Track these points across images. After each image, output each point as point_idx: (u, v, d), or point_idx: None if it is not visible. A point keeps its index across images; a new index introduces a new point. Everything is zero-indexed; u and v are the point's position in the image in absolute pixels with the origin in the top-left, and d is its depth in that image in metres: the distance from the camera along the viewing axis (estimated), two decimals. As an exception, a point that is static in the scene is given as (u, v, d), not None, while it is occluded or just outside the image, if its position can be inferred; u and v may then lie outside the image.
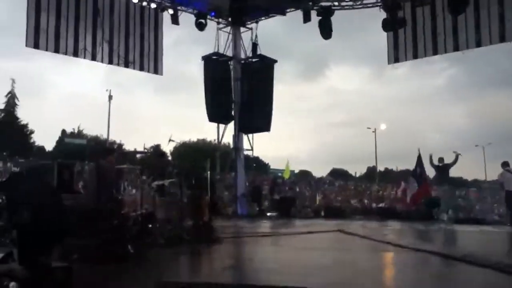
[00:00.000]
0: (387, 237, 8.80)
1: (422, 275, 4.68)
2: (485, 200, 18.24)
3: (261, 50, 16.88)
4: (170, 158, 37.23)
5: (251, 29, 17.26)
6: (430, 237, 9.97)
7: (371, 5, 15.12)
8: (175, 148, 39.68)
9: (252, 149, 17.38)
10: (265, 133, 16.81)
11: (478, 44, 13.63)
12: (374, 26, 14.83)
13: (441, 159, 12.59)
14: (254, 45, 17.02)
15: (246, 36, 17.35)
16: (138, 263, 4.94)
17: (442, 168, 12.59)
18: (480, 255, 5.37)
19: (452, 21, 13.86)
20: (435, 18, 14.34)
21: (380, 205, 17.88)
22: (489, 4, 13.23)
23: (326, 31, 15.04)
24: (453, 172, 13.63)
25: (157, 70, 16.70)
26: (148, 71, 16.54)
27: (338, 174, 49.96)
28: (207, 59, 16.98)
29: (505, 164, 12.28)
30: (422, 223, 12.82)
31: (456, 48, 14.12)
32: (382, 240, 7.78)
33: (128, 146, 40.47)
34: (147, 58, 16.27)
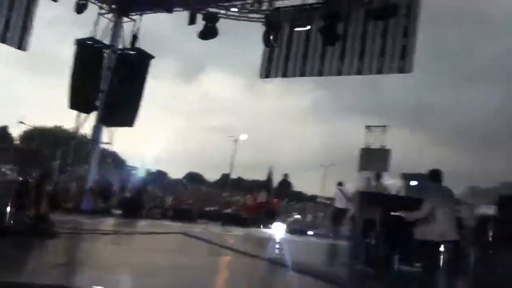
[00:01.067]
0: (227, 242, 9.15)
1: (246, 280, 4.96)
2: (319, 214, 20.11)
3: (141, 44, 16.23)
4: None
5: (134, 20, 16.48)
6: (266, 244, 10.63)
7: (255, 19, 15.58)
8: (25, 132, 36.03)
9: (111, 143, 16.64)
10: (128, 128, 16.22)
11: (339, 73, 14.96)
12: (255, 38, 15.17)
13: (286, 175, 13.53)
14: (134, 37, 16.22)
15: (127, 27, 16.47)
16: None
17: (282, 183, 13.51)
18: (305, 263, 5.91)
19: (321, 49, 14.93)
20: (308, 42, 15.32)
21: (227, 211, 18.44)
22: (354, 38, 14.59)
23: (208, 35, 15.09)
24: (295, 186, 14.76)
25: (21, 45, 14.97)
26: (11, 45, 14.76)
27: (193, 178, 50.24)
28: (81, 43, 15.70)
29: (339, 184, 13.88)
30: (261, 231, 13.68)
31: (321, 74, 15.29)
32: (222, 245, 8.06)
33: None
34: (13, 30, 14.54)
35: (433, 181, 6.65)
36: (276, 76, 15.99)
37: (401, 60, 13.89)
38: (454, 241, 6.73)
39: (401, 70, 14.06)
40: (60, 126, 43.67)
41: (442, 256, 7.03)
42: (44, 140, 32.47)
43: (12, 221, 6.30)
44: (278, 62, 15.69)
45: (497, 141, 57.13)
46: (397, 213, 6.67)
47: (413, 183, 17.20)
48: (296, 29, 15.12)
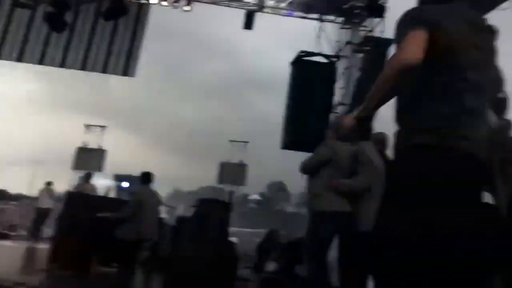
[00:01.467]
0: None
1: None
2: (22, 214, 18.31)
3: None
4: None
5: None
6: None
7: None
8: None
9: None
10: None
11: (62, 65, 13.90)
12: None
13: None
14: None
15: None
16: None
17: None
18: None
19: (45, 35, 13.53)
20: (32, 24, 13.63)
21: None
22: (82, 31, 13.79)
23: None
24: None
25: None
26: None
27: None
28: None
29: (48, 184, 13.04)
30: None
31: (41, 62, 13.88)
32: None
33: None
34: None
35: (143, 182, 7.01)
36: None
37: (126, 62, 14.13)
38: (154, 241, 7.23)
39: (125, 73, 14.30)
40: None
41: (140, 255, 7.45)
42: None
43: None
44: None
45: (200, 150, 64.22)
46: (101, 214, 6.72)
47: (125, 184, 17.51)
48: (19, 7, 13.47)
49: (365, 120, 2.04)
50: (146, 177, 7.11)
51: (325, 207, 3.80)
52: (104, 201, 8.82)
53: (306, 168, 4.03)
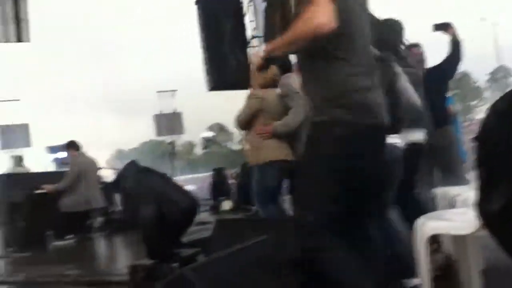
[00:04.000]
0: None
1: None
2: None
3: None
4: None
5: None
6: None
7: None
8: None
9: None
10: None
11: None
12: None
13: None
14: None
15: None
16: None
17: None
18: None
19: None
20: None
21: None
22: None
23: None
24: None
25: None
26: None
27: None
28: None
29: None
30: None
31: None
32: None
33: None
34: None
35: (74, 150, 6.79)
36: None
37: (17, 28, 13.22)
38: (103, 207, 7.14)
39: (19, 39, 13.41)
40: None
41: (94, 222, 7.38)
42: None
43: None
44: None
45: (132, 107, 62.35)
46: (40, 190, 6.51)
47: (62, 154, 16.84)
48: None
49: (272, 59, 2.09)
50: (73, 145, 6.90)
51: (269, 157, 3.73)
52: (41, 176, 8.45)
53: (241, 124, 3.93)
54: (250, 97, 3.85)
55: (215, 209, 8.97)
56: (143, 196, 3.25)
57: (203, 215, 7.94)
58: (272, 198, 3.79)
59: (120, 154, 50.88)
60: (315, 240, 1.68)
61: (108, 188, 7.80)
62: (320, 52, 1.87)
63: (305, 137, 2.09)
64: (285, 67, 3.87)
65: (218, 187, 9.81)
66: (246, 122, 3.84)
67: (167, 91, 20.18)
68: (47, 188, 6.38)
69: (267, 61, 2.10)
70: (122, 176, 3.59)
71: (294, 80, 3.74)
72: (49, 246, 6.32)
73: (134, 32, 76.84)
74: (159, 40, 69.67)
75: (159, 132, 19.15)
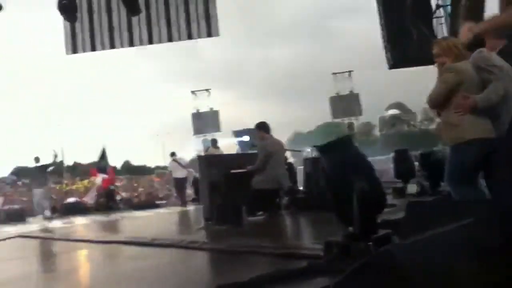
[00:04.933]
0: (75, 234, 8.66)
1: (118, 267, 4.85)
2: (164, 184, 20.21)
3: None
4: None
5: None
6: (117, 227, 10.41)
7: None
8: None
9: None
10: None
11: (150, 42, 14.83)
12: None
13: (36, 159, 12.96)
14: None
15: None
16: None
17: (41, 168, 12.96)
18: (165, 236, 5.98)
19: (126, 17, 14.54)
20: (111, 13, 14.73)
21: (69, 200, 17.24)
22: (157, 7, 14.53)
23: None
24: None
25: None
26: None
27: (22, 173, 45.12)
28: None
29: (172, 154, 14.16)
30: (107, 214, 13.27)
31: (131, 44, 14.93)
32: (69, 239, 7.62)
33: None
34: None
35: (264, 131, 7.24)
36: (84, 50, 15.20)
37: (206, 24, 14.53)
38: (289, 187, 7.55)
39: (209, 34, 14.74)
40: None
41: (280, 201, 7.84)
42: None
43: None
44: (83, 36, 14.91)
45: (307, 90, 63.82)
46: (237, 170, 7.15)
47: (246, 138, 18.27)
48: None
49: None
50: (264, 126, 7.32)
51: (468, 135, 3.45)
52: (235, 158, 9.33)
53: (435, 101, 3.68)
54: (447, 71, 3.59)
55: (399, 191, 8.68)
56: (355, 172, 3.29)
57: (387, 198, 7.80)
58: (469, 180, 3.53)
59: (297, 136, 52.63)
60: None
61: (291, 169, 8.24)
62: None
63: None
64: (479, 42, 3.54)
65: (401, 169, 9.47)
66: (443, 98, 3.61)
67: (343, 72, 20.08)
68: (247, 168, 6.99)
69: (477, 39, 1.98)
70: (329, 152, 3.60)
71: (489, 54, 3.44)
72: (243, 221, 6.98)
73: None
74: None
75: (335, 114, 19.23)
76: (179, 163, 13.90)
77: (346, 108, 18.45)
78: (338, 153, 3.45)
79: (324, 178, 3.65)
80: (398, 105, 46.38)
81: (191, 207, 13.05)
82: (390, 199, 7.97)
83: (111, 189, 16.19)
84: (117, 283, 3.79)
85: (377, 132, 49.44)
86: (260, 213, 7.32)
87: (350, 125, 12.45)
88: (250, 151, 10.75)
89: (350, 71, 19.99)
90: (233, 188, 6.86)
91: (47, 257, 6.50)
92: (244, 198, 6.94)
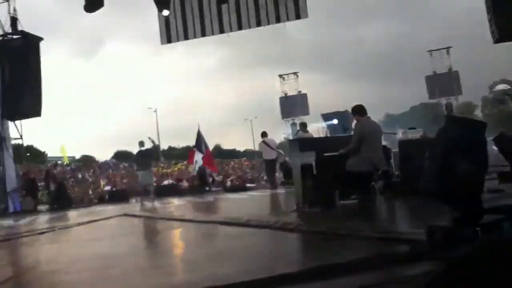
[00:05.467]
0: (174, 214, 9.13)
1: (221, 245, 5.04)
2: (255, 167, 20.57)
3: (23, 26, 14.98)
4: None
5: (7, 0, 15.03)
6: (212, 208, 10.83)
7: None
8: None
9: (21, 137, 15.64)
10: (36, 118, 15.25)
11: (240, 28, 15.06)
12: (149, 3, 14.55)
13: (141, 143, 13.30)
14: (13, 20, 14.89)
15: (2, 9, 15.09)
16: None
17: (144, 153, 13.34)
18: (259, 218, 6.11)
19: (216, 6, 14.89)
20: (202, 2, 15.18)
21: (165, 182, 18.29)
22: None
23: (94, 6, 14.17)
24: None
25: None
26: None
27: (122, 156, 48.73)
28: None
29: (263, 134, 14.23)
30: (201, 196, 13.85)
31: (222, 31, 15.28)
32: (171, 218, 8.06)
33: None
34: None
35: (359, 115, 7.02)
36: (178, 40, 15.84)
37: (295, 6, 14.35)
38: (384, 170, 7.27)
39: (298, 16, 14.54)
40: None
41: (374, 185, 7.61)
42: None
43: None
44: (176, 26, 15.48)
45: (400, 69, 60.99)
46: (330, 153, 7.02)
47: (335, 121, 17.98)
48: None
49: None
50: (360, 109, 7.10)
51: None
52: (326, 140, 9.22)
53: None
54: None
55: (506, 176, 8.01)
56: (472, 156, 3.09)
57: (492, 183, 7.27)
58: None
59: (389, 118, 50.68)
60: None
61: (387, 152, 7.92)
62: None
63: None
64: None
65: (505, 152, 8.70)
66: None
67: (440, 49, 18.87)
68: (340, 151, 6.86)
69: None
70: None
71: None
72: (336, 204, 6.90)
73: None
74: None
75: (432, 94, 18.20)
76: (268, 145, 14.06)
77: (443, 87, 17.32)
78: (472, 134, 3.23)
79: (430, 160, 3.42)
80: (506, 82, 42.57)
81: (281, 190, 13.18)
82: (495, 184, 7.43)
83: (205, 172, 16.84)
84: (217, 260, 3.92)
85: (479, 113, 45.97)
86: (354, 196, 7.18)
87: (448, 106, 11.69)
88: (341, 135, 10.54)
89: (448, 48, 18.74)
90: (326, 171, 6.77)
91: (151, 234, 6.93)
92: (337, 182, 6.83)
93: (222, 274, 3.21)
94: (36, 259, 5.39)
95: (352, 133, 7.32)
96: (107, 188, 18.30)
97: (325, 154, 7.04)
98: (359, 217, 5.98)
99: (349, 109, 7.99)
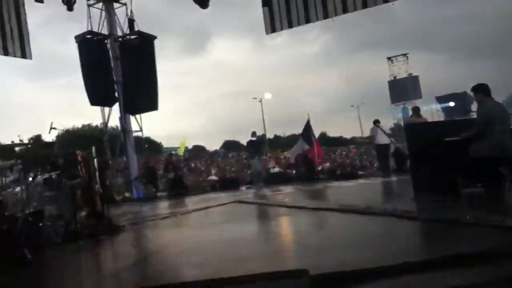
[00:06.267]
0: (285, 201, 9.18)
1: (340, 232, 5.02)
2: (363, 154, 20.02)
3: (139, 27, 16.15)
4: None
5: (125, 4, 16.32)
6: (322, 195, 10.78)
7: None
8: (58, 137, 37.00)
9: (141, 130, 16.95)
10: (153, 112, 16.40)
11: (345, 11, 14.66)
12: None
13: (253, 133, 13.54)
14: (131, 21, 16.12)
15: (120, 12, 16.44)
16: (40, 268, 4.62)
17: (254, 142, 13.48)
18: (376, 206, 5.95)
19: None
20: None
21: (274, 170, 18.57)
22: None
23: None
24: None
25: (25, 53, 15.15)
26: (15, 55, 14.97)
27: (230, 146, 50.70)
28: (81, 39, 15.75)
29: (376, 122, 13.83)
30: (309, 184, 13.84)
31: (326, 16, 15.00)
32: (284, 205, 8.15)
33: (3, 140, 36.90)
34: (11, 41, 14.71)
35: (483, 94, 6.42)
36: (282, 28, 15.82)
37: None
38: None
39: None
40: (88, 124, 44.74)
41: (502, 172, 6.94)
42: (78, 140, 33.22)
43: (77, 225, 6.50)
44: (280, 14, 15.48)
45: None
46: (451, 138, 6.56)
47: (451, 104, 16.79)
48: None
49: None
50: (485, 88, 6.48)
51: None
52: (444, 125, 8.65)
53: None
54: None
55: None
56: None
57: None
58: None
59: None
60: None
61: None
62: None
63: None
64: None
65: None
66: None
67: None
68: (462, 135, 6.39)
69: None
70: None
71: None
72: (459, 192, 6.44)
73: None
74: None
75: None
76: (382, 129, 13.63)
77: None
78: None
79: None
80: None
81: (394, 178, 12.67)
82: None
83: (310, 160, 16.77)
84: (339, 247, 3.89)
85: None
86: (479, 184, 6.63)
87: None
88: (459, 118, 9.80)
89: None
90: (447, 157, 6.35)
91: (267, 221, 7.09)
92: (459, 168, 6.37)
93: (350, 260, 3.16)
94: (162, 241, 5.81)
95: (474, 115, 6.75)
96: (215, 177, 19.09)
97: (445, 139, 6.60)
98: (486, 206, 5.53)
99: (468, 91, 7.35)
